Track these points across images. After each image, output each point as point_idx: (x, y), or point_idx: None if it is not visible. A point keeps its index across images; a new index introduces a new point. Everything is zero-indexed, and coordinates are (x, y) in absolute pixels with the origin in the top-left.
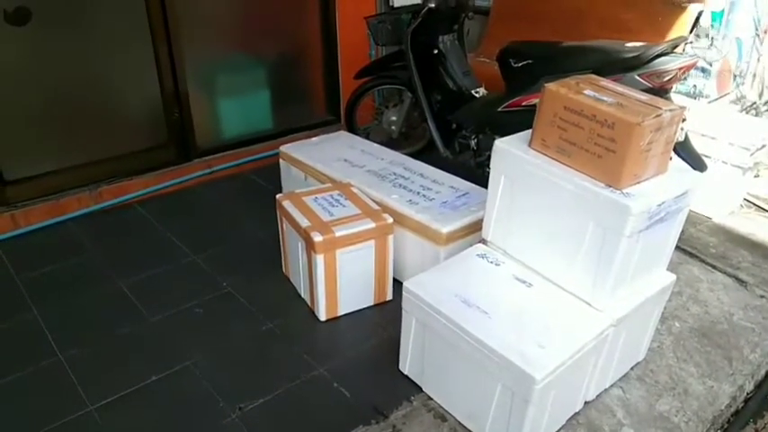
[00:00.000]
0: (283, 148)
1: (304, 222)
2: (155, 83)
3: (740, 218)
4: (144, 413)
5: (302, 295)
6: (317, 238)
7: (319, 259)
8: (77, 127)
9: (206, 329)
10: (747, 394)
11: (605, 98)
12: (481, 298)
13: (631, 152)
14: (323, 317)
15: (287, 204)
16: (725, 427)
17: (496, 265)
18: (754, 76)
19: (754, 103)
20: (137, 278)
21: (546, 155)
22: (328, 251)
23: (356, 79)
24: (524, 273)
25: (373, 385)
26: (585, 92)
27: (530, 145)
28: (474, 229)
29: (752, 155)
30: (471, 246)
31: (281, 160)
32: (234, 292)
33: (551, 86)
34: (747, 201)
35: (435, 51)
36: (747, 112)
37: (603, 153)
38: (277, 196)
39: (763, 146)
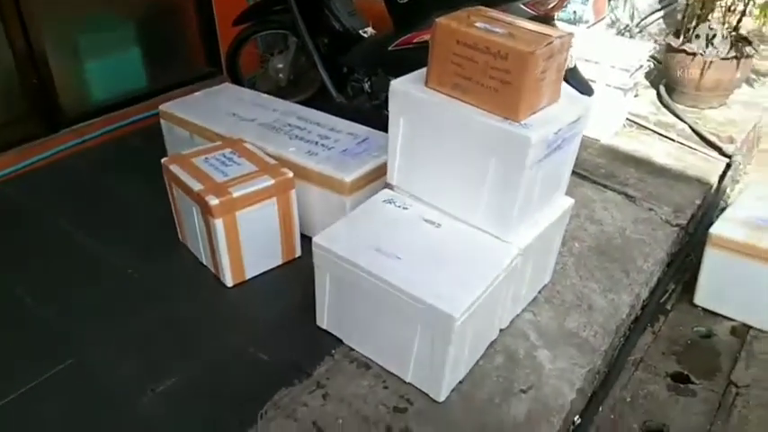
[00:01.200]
0: (163, 107)
1: (196, 186)
2: (3, 45)
3: (624, 137)
4: (46, 409)
5: (204, 263)
6: (213, 201)
7: (218, 224)
8: None
9: (106, 314)
10: (644, 302)
11: (497, 29)
12: (393, 244)
13: (527, 82)
14: (230, 283)
15: (174, 168)
16: (627, 334)
17: (404, 208)
18: (625, 0)
19: (627, 25)
20: (18, 272)
21: (443, 92)
22: (227, 214)
23: (235, 26)
24: (432, 214)
25: (292, 345)
26: (477, 24)
27: (426, 84)
28: (378, 175)
29: (631, 76)
30: (377, 192)
31: (161, 120)
32: (130, 270)
33: (443, 21)
34: (629, 120)
35: None
36: (622, 35)
37: (499, 86)
38: (162, 160)
39: (641, 66)
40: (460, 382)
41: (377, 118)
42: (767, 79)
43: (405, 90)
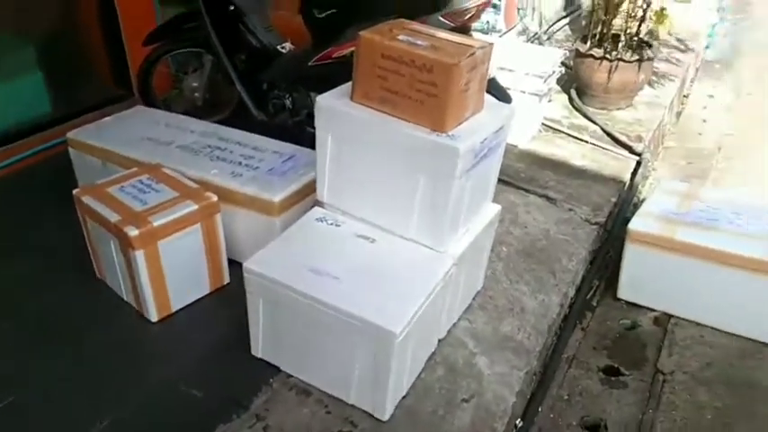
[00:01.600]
0: (71, 135)
1: (113, 217)
2: None
3: (541, 142)
4: None
5: (125, 298)
6: (133, 232)
7: (139, 256)
8: None
9: (21, 359)
10: (571, 300)
11: (420, 42)
12: (329, 263)
13: (452, 94)
14: (154, 317)
15: (88, 200)
16: (558, 333)
17: (337, 226)
18: (534, 9)
19: (537, 33)
20: None
21: (370, 106)
22: (148, 245)
23: (146, 46)
24: (366, 229)
25: (227, 378)
26: (400, 37)
27: (352, 99)
28: (307, 193)
29: (545, 82)
30: (307, 211)
31: (70, 149)
32: (47, 311)
33: (366, 35)
34: (545, 125)
35: (232, 7)
36: (532, 42)
37: (425, 98)
38: (74, 192)
39: (554, 72)
40: (404, 397)
41: (300, 134)
42: (665, 80)
43: (331, 106)
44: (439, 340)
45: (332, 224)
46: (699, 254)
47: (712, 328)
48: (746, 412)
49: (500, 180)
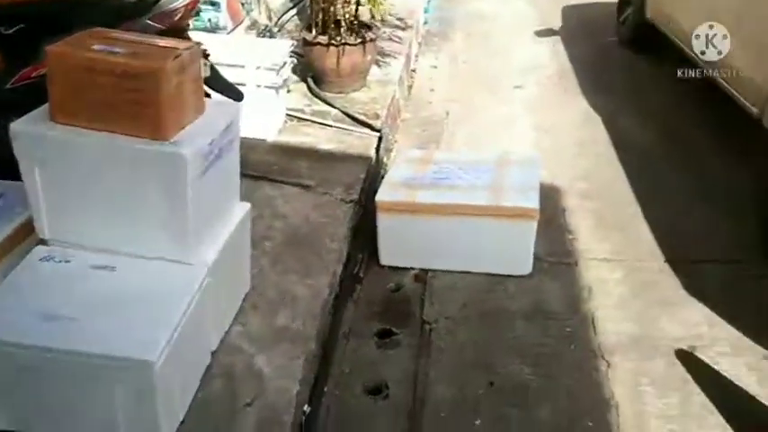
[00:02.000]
0: None
1: None
2: None
3: (288, 132)
4: None
5: None
6: None
7: None
8: None
9: None
10: (340, 277)
11: (118, 49)
12: (62, 305)
13: (164, 99)
14: None
15: None
16: (332, 312)
17: (67, 261)
18: (259, 1)
19: (267, 26)
20: None
21: (76, 125)
22: None
23: None
24: (102, 258)
25: None
26: (95, 47)
27: (53, 119)
28: (26, 233)
29: (278, 73)
30: (29, 252)
31: None
32: None
33: (55, 48)
34: (289, 115)
35: None
36: (264, 36)
37: (137, 108)
38: None
39: (285, 63)
40: (182, 423)
41: (14, 167)
42: (391, 58)
43: (28, 131)
44: (213, 352)
45: (60, 261)
46: (438, 211)
47: (462, 272)
48: (498, 338)
49: (253, 176)
